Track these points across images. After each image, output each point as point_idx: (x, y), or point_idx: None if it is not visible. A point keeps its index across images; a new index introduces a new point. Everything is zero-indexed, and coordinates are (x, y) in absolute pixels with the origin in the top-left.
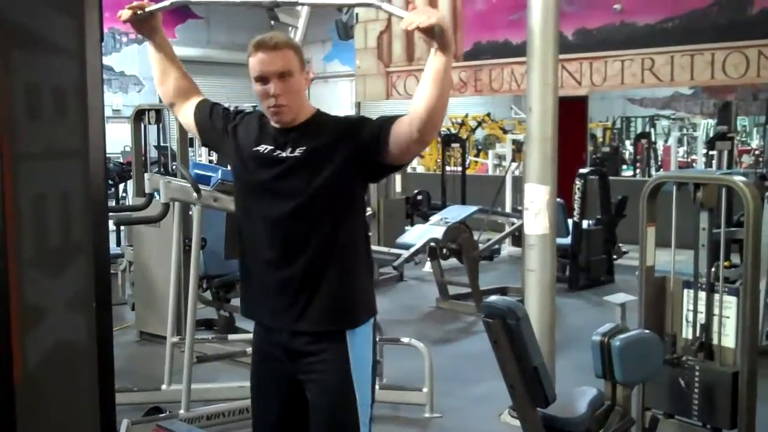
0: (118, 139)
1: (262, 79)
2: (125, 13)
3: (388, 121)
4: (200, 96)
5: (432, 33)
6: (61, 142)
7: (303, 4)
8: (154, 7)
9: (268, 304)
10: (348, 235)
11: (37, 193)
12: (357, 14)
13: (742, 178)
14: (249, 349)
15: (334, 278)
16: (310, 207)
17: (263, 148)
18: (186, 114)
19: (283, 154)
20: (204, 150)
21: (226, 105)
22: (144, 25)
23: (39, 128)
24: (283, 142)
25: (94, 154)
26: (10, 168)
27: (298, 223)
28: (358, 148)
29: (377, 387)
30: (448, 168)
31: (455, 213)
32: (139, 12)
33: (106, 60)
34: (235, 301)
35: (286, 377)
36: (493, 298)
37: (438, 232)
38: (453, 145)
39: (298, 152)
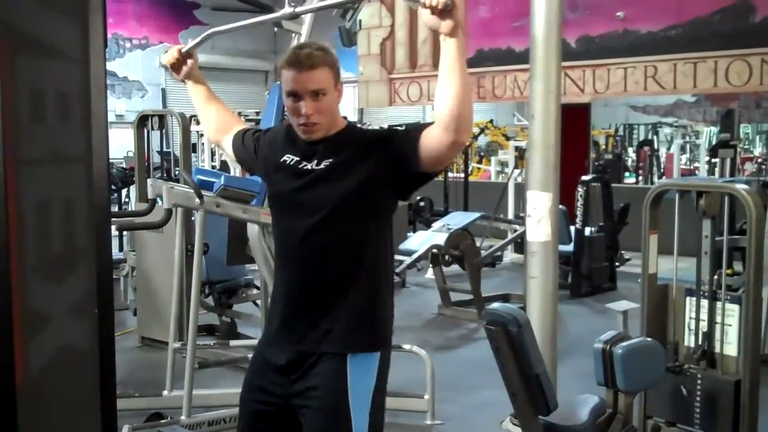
0: (121, 145)
1: (295, 95)
2: (165, 58)
3: (417, 130)
4: (239, 127)
5: (450, 13)
6: (65, 148)
7: (320, 9)
8: (189, 45)
9: (289, 319)
10: (372, 253)
11: (40, 199)
12: (360, 21)
13: (745, 186)
14: (251, 355)
15: (352, 298)
16: (332, 221)
17: (289, 158)
18: (228, 149)
19: (309, 166)
20: (207, 156)
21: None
22: (181, 66)
23: (42, 133)
24: (310, 154)
25: (98, 160)
26: (13, 173)
27: (321, 238)
28: (388, 160)
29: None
30: (450, 174)
31: (457, 219)
32: (181, 52)
33: (110, 65)
34: (237, 307)
35: (279, 405)
36: (494, 305)
37: (440, 239)
38: None
39: (323, 165)
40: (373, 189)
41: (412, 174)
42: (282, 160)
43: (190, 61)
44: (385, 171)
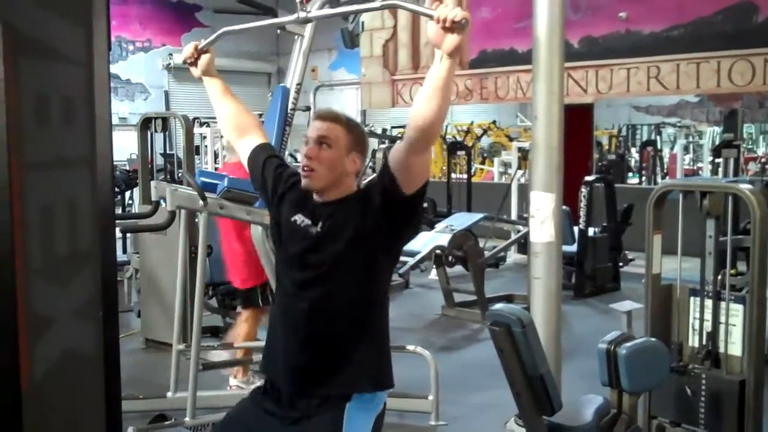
0: (124, 147)
1: (307, 141)
2: (186, 51)
3: (386, 163)
4: (260, 138)
5: (460, 28)
6: (69, 151)
7: (331, 16)
8: (204, 42)
9: (285, 362)
10: (366, 303)
11: (45, 202)
12: (363, 23)
13: (749, 186)
14: (255, 357)
15: (349, 350)
16: (328, 276)
17: (300, 219)
18: (242, 153)
19: (314, 230)
20: (210, 158)
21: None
22: (198, 62)
23: (47, 137)
24: (318, 217)
25: (102, 163)
26: (17, 177)
27: (319, 291)
28: (376, 199)
29: None
30: (453, 175)
31: (461, 220)
32: (197, 48)
33: (113, 68)
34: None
35: None
36: (498, 306)
37: (444, 240)
38: (458, 152)
39: (326, 226)
40: (367, 242)
41: (401, 202)
42: (293, 219)
43: (206, 57)
44: (374, 219)
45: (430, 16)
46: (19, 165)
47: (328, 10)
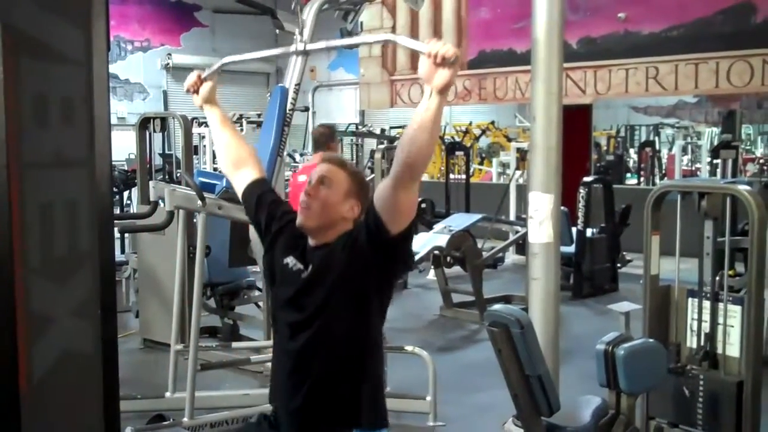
0: (122, 147)
1: (310, 181)
2: (189, 79)
3: (370, 203)
4: (256, 173)
5: (450, 64)
6: (68, 151)
7: (330, 48)
8: (207, 72)
9: (282, 401)
10: (358, 344)
11: (44, 202)
12: (362, 23)
13: (747, 187)
14: (253, 357)
15: (338, 387)
16: (318, 318)
17: (292, 262)
18: (237, 186)
19: (304, 275)
20: (209, 158)
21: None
22: (200, 90)
23: (46, 137)
24: (308, 261)
25: (100, 163)
26: (16, 176)
27: (309, 333)
28: (363, 241)
29: None
30: (451, 176)
31: (459, 221)
32: (200, 77)
33: (111, 68)
34: (239, 309)
35: None
36: (496, 306)
37: (442, 240)
38: (457, 153)
39: (315, 270)
40: (356, 284)
41: (388, 243)
42: (285, 261)
43: (207, 86)
44: (362, 261)
45: (423, 52)
46: (18, 164)
47: (324, 43)
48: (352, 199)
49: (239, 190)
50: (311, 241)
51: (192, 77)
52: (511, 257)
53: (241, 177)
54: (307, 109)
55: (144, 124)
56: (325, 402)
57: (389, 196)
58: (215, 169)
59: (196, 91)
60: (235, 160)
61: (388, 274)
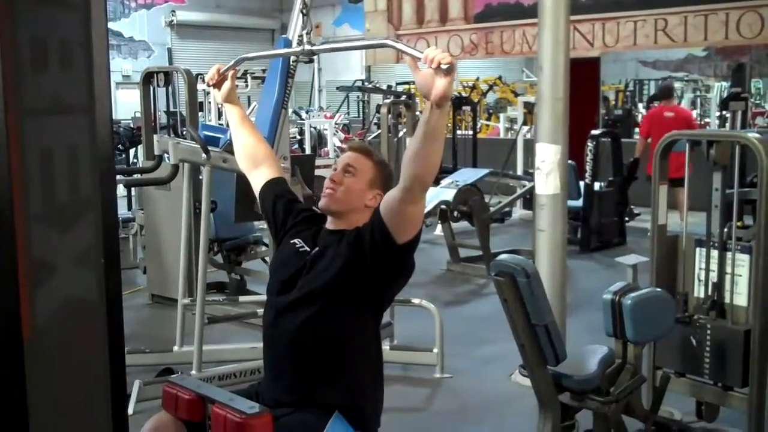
0: (128, 105)
1: (336, 168)
2: (210, 73)
3: (377, 209)
4: (273, 171)
5: (448, 71)
6: (67, 97)
7: (335, 51)
8: (227, 66)
9: (266, 380)
10: (352, 335)
11: (43, 148)
12: None
13: (757, 135)
14: (260, 311)
15: (332, 379)
16: (313, 301)
17: (299, 243)
18: (254, 184)
19: (309, 255)
20: (214, 113)
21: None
22: (222, 85)
23: (44, 82)
24: (318, 242)
25: (100, 109)
26: (15, 122)
27: (301, 315)
28: (367, 245)
29: (387, 348)
30: (459, 131)
31: (466, 176)
32: (219, 71)
33: (115, 26)
34: (246, 264)
35: None
36: (502, 256)
37: (449, 195)
38: (464, 108)
39: (322, 250)
40: (356, 280)
41: (392, 251)
42: (293, 241)
43: (227, 85)
44: (364, 263)
45: (419, 58)
46: (17, 111)
47: (331, 45)
48: (376, 189)
49: (256, 188)
50: (329, 224)
51: (212, 71)
52: (519, 212)
53: (259, 175)
54: (311, 61)
55: (148, 78)
56: (305, 390)
57: (397, 207)
58: (220, 124)
59: (216, 85)
60: (253, 158)
61: (386, 282)
